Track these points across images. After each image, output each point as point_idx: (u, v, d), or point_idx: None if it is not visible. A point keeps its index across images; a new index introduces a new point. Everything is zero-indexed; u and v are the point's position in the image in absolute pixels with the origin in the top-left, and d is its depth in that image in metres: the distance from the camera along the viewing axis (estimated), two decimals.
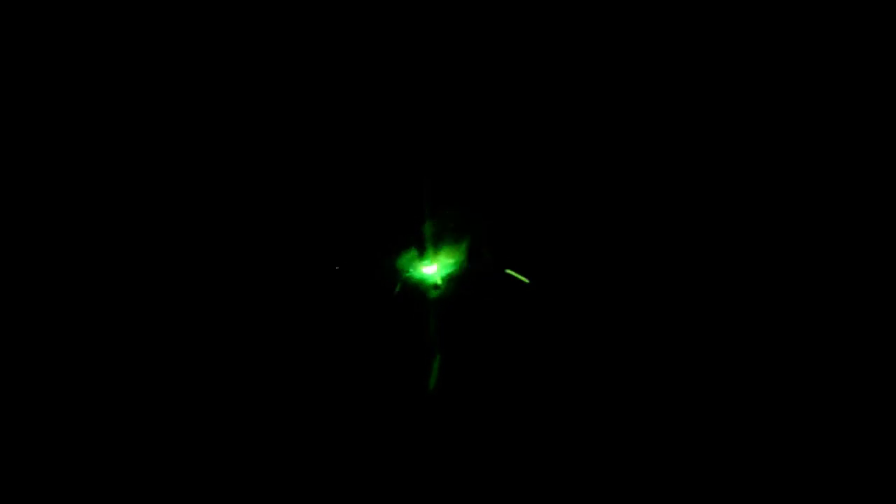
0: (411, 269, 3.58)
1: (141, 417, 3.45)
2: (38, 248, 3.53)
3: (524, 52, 3.64)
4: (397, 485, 3.39)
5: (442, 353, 3.55)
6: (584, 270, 3.63)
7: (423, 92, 3.66)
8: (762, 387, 3.47)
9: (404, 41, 3.63)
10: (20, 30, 3.52)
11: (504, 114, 3.66)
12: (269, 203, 3.64)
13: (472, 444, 3.46)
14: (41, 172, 3.55)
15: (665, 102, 3.63)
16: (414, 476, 3.41)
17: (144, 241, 3.58)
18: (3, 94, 3.52)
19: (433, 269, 3.58)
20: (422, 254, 3.59)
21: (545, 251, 3.64)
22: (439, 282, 3.58)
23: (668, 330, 3.56)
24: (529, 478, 3.40)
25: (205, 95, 3.62)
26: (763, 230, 3.57)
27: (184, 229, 3.60)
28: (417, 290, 3.59)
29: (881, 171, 3.51)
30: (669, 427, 3.45)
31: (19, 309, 3.49)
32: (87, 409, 3.45)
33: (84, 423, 3.44)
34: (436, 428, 3.48)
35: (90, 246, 3.56)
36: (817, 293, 3.51)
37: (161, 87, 3.61)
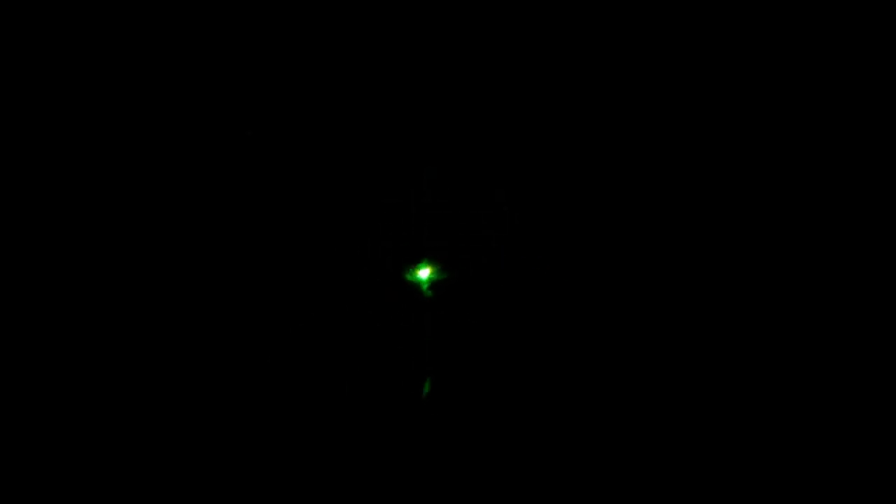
0: (406, 271, 3.57)
1: (135, 416, 3.45)
2: (37, 249, 3.53)
3: (522, 52, 3.64)
4: (388, 487, 3.39)
5: (435, 356, 3.54)
6: (582, 273, 3.63)
7: (420, 93, 3.66)
8: (762, 387, 3.47)
9: (402, 42, 3.63)
10: (20, 30, 3.52)
11: (501, 114, 3.66)
12: (264, 204, 3.63)
13: (464, 448, 3.46)
14: (41, 173, 3.55)
15: (664, 103, 3.63)
16: (405, 479, 3.41)
17: (140, 242, 3.58)
18: (2, 94, 3.53)
19: (427, 271, 3.57)
20: (417, 256, 3.58)
21: (544, 252, 3.64)
22: (435, 283, 3.57)
23: (666, 334, 3.55)
24: (522, 482, 3.40)
25: (204, 96, 3.62)
26: (763, 230, 3.57)
27: (180, 226, 3.60)
28: (412, 292, 3.58)
29: (881, 171, 3.51)
30: (669, 434, 3.45)
31: (19, 309, 3.49)
32: (86, 408, 3.45)
33: (84, 423, 3.44)
34: (428, 433, 3.48)
35: (90, 246, 3.56)
36: (817, 293, 3.51)
37: (160, 88, 3.61)
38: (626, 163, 3.64)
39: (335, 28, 3.63)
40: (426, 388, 3.51)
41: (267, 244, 3.63)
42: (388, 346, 3.58)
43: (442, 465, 3.43)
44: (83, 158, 3.57)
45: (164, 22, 3.58)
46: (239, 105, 3.63)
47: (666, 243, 3.60)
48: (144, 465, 3.39)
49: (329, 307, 3.60)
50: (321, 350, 3.57)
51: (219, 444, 3.44)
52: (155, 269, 3.58)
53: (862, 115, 3.53)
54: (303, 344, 3.57)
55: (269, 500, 3.38)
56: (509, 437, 3.47)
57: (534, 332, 3.59)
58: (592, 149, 3.65)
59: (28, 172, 3.54)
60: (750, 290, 3.55)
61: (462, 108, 3.66)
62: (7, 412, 3.40)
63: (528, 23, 3.63)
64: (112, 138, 3.59)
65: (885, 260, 3.48)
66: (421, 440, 3.47)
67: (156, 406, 3.47)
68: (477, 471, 3.42)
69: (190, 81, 3.61)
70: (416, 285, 3.58)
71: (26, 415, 3.41)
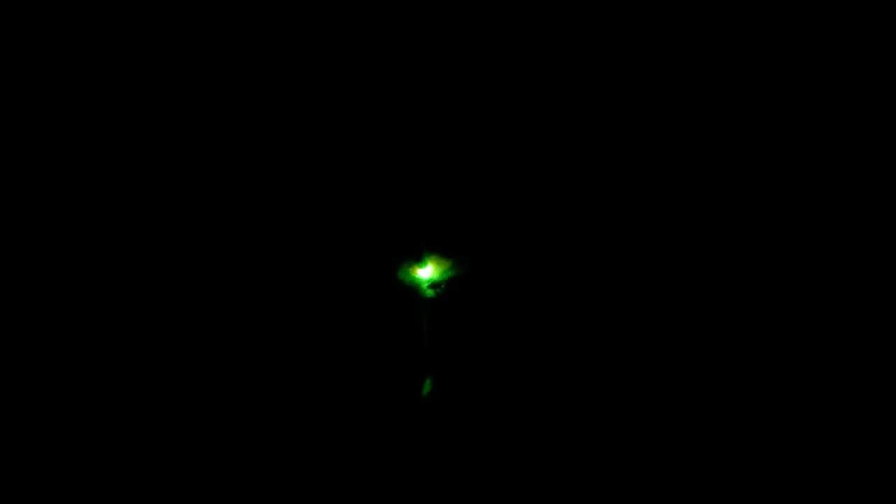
0: (407, 271, 3.58)
1: (135, 416, 3.46)
2: (38, 249, 3.53)
3: (522, 53, 3.64)
4: (388, 487, 3.40)
5: (436, 356, 3.55)
6: (582, 272, 3.63)
7: (422, 94, 3.66)
8: (762, 387, 3.47)
9: (403, 45, 3.64)
10: (20, 30, 3.52)
11: (502, 115, 3.66)
12: (266, 205, 3.64)
13: (464, 448, 3.46)
14: (41, 173, 3.56)
15: (664, 103, 3.63)
16: (405, 478, 3.42)
17: (141, 242, 3.59)
18: (2, 94, 3.53)
19: (428, 271, 3.57)
20: (418, 256, 3.58)
21: (544, 252, 3.64)
22: (435, 283, 3.58)
23: (667, 334, 3.55)
24: (522, 481, 3.40)
25: (205, 96, 3.63)
26: (763, 230, 3.57)
27: (180, 227, 3.60)
28: (413, 291, 3.58)
29: (881, 171, 3.51)
30: (668, 433, 3.45)
31: (19, 309, 3.49)
32: (86, 408, 3.46)
33: (84, 423, 3.44)
34: (428, 432, 3.49)
35: (91, 246, 3.56)
36: (817, 293, 3.51)
37: (161, 88, 3.61)
38: (625, 163, 3.64)
39: (336, 28, 3.63)
40: (426, 388, 3.51)
41: (268, 244, 3.63)
42: (388, 345, 3.58)
43: (442, 464, 3.43)
44: (83, 159, 3.57)
45: (164, 22, 3.58)
46: (239, 105, 3.63)
47: (666, 243, 3.60)
48: (144, 464, 3.40)
49: (330, 307, 3.61)
50: (322, 349, 3.57)
51: (219, 443, 3.44)
52: (157, 269, 3.58)
53: (862, 115, 3.53)
54: (304, 343, 3.57)
55: (269, 500, 3.38)
56: (509, 437, 3.47)
57: (534, 331, 3.59)
58: (592, 149, 3.65)
59: (28, 172, 3.54)
60: (749, 290, 3.55)
61: (463, 108, 3.66)
62: (7, 412, 3.41)
63: (529, 24, 3.63)
64: (112, 138, 3.59)
65: (885, 260, 3.48)
66: (421, 439, 3.47)
67: (156, 406, 3.48)
68: (477, 470, 3.43)
69: (190, 82, 3.62)
70: (416, 285, 3.59)
71: (26, 415, 3.42)
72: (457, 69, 3.64)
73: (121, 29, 3.56)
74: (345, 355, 3.57)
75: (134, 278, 3.56)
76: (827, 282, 3.51)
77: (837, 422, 3.38)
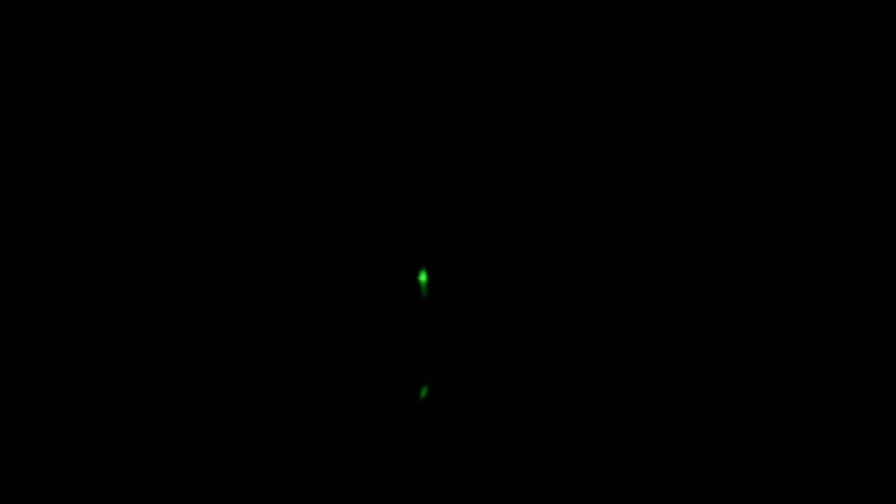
0: (404, 272, 3.58)
1: (135, 416, 3.46)
2: (38, 249, 3.55)
3: (522, 52, 3.65)
4: (386, 490, 3.40)
5: (433, 357, 3.55)
6: (582, 273, 3.62)
7: (419, 93, 3.67)
8: (764, 388, 3.46)
9: (401, 42, 3.64)
10: (20, 30, 3.54)
11: (501, 114, 3.66)
12: (261, 204, 3.64)
13: (463, 451, 3.46)
14: (41, 173, 3.57)
15: (666, 103, 3.62)
16: (403, 481, 3.42)
17: (140, 243, 3.60)
18: (3, 94, 3.54)
19: (425, 273, 3.58)
20: (415, 256, 3.59)
21: (544, 253, 3.64)
22: (431, 285, 3.58)
23: (668, 336, 3.55)
24: (522, 484, 3.40)
25: (205, 96, 3.64)
26: (766, 231, 3.57)
27: (179, 228, 3.61)
28: (409, 293, 3.59)
29: (881, 171, 3.50)
30: (670, 435, 3.45)
31: (19, 309, 3.50)
32: (87, 409, 3.47)
33: (84, 423, 3.45)
34: (426, 435, 3.49)
35: (91, 246, 3.57)
36: (817, 294, 3.50)
37: (161, 88, 3.62)
38: (626, 164, 3.63)
39: (336, 28, 3.64)
40: (423, 392, 3.51)
41: (264, 245, 3.64)
42: (385, 347, 3.58)
43: (441, 467, 3.43)
44: (84, 159, 3.59)
45: (164, 22, 3.59)
46: (239, 105, 3.64)
47: (668, 244, 3.60)
48: (144, 465, 3.40)
49: (326, 308, 3.61)
50: (318, 351, 3.58)
51: (218, 444, 3.44)
52: (154, 271, 3.59)
53: (862, 115, 3.52)
54: (300, 345, 3.58)
55: (268, 500, 3.39)
56: (509, 440, 3.47)
57: (533, 333, 3.59)
58: (593, 149, 3.65)
59: (28, 172, 3.55)
60: (751, 291, 3.54)
61: (461, 107, 3.66)
62: (7, 412, 3.42)
63: (529, 23, 3.63)
64: (112, 138, 3.61)
65: (886, 260, 3.47)
66: (419, 442, 3.47)
67: (155, 406, 3.48)
68: (476, 473, 3.43)
69: (190, 82, 3.63)
70: (414, 286, 3.59)
71: (26, 415, 3.43)
72: (454, 69, 3.65)
73: (121, 29, 3.58)
74: (341, 356, 3.57)
75: (130, 278, 3.57)
76: (827, 282, 3.50)
77: (837, 422, 3.38)
